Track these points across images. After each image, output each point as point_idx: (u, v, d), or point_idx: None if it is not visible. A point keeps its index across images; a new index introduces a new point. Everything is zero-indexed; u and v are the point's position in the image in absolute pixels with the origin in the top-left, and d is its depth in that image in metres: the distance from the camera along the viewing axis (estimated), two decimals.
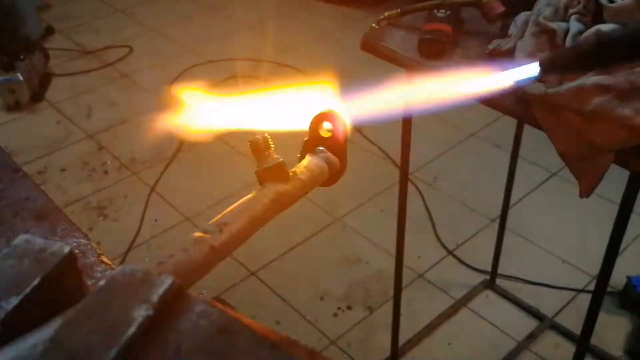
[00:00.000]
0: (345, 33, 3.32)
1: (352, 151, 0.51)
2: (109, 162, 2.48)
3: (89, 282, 0.56)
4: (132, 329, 0.27)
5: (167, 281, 0.30)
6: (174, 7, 3.62)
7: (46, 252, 0.31)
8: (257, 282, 1.96)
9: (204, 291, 1.93)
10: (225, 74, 2.97)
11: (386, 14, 1.21)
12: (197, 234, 0.40)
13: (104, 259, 0.63)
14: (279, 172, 0.48)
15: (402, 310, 1.63)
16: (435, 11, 1.16)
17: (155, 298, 0.29)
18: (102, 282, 0.30)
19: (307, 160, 0.52)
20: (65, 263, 0.31)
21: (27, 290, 0.29)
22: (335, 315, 1.86)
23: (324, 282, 1.96)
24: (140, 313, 0.28)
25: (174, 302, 0.30)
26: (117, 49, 3.19)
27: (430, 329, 1.80)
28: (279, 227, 1.99)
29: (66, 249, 0.31)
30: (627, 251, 1.94)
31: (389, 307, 1.71)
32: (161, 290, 0.29)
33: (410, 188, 2.19)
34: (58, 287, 0.31)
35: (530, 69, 0.51)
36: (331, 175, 0.53)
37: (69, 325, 0.28)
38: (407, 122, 1.31)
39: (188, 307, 0.30)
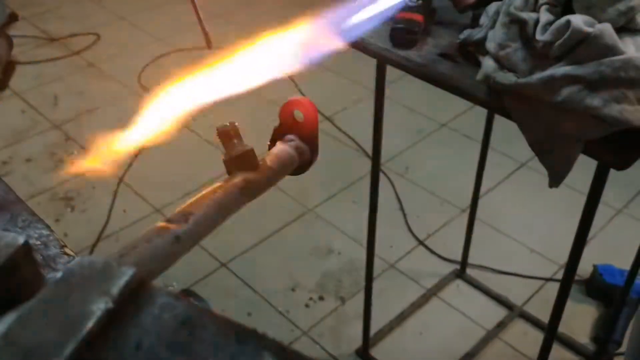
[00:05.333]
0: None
1: (323, 141, 0.50)
2: (76, 152, 2.42)
3: (51, 275, 0.54)
4: (90, 324, 0.26)
5: (128, 272, 0.28)
6: None
7: None
8: (228, 273, 1.95)
9: (174, 283, 1.91)
10: (193, 63, 2.93)
11: (357, 2, 1.20)
12: (161, 223, 0.38)
13: (68, 250, 0.61)
14: (247, 160, 0.47)
15: (374, 300, 1.64)
16: (407, 0, 1.15)
17: (115, 290, 0.28)
18: (59, 274, 0.28)
19: (277, 148, 0.51)
20: (20, 254, 0.29)
21: None
22: (307, 306, 1.86)
23: (295, 272, 1.95)
24: (99, 306, 0.27)
25: (135, 294, 0.28)
26: (84, 36, 3.12)
27: (401, 318, 1.81)
28: (250, 217, 1.99)
29: (21, 239, 0.29)
30: (594, 240, 1.97)
31: (360, 297, 1.71)
32: (122, 282, 0.28)
33: (382, 178, 2.19)
34: (12, 280, 0.29)
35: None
36: (302, 164, 0.52)
37: (23, 320, 0.26)
38: (378, 113, 1.30)
39: (150, 300, 0.28)
